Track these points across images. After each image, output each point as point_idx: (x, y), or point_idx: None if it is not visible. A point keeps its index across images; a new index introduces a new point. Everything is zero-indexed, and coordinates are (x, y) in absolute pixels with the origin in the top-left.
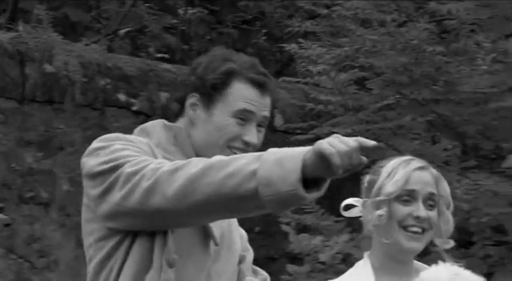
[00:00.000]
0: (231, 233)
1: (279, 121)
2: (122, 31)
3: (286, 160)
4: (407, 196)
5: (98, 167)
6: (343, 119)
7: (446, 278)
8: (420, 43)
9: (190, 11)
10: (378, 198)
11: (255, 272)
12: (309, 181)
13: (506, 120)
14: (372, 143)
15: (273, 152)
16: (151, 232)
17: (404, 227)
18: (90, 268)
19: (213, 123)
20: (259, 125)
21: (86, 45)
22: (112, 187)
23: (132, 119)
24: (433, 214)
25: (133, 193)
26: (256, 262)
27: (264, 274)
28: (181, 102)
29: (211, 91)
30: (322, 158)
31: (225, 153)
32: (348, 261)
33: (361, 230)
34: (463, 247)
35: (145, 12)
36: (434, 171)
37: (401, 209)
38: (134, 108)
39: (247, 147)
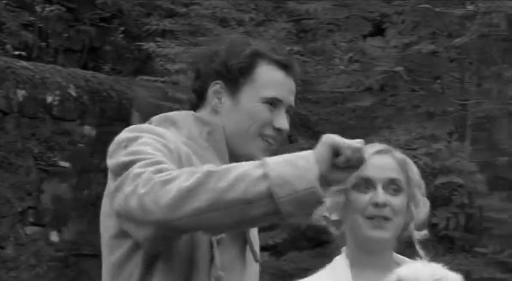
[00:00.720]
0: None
1: (136, 120)
2: None
3: (297, 160)
4: (364, 183)
5: (119, 159)
6: None
7: (427, 279)
8: (278, 42)
9: (47, 9)
10: (333, 188)
11: None
12: None
13: (363, 120)
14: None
15: (276, 157)
16: (188, 242)
17: (367, 217)
18: (105, 268)
19: (242, 110)
20: (286, 112)
21: None
22: (122, 183)
23: None
24: (397, 199)
25: (132, 196)
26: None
27: None
28: (201, 92)
29: (238, 76)
30: (333, 151)
31: (256, 143)
32: None
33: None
34: (319, 246)
35: (2, 9)
36: (398, 154)
37: (360, 198)
38: None
39: (278, 134)
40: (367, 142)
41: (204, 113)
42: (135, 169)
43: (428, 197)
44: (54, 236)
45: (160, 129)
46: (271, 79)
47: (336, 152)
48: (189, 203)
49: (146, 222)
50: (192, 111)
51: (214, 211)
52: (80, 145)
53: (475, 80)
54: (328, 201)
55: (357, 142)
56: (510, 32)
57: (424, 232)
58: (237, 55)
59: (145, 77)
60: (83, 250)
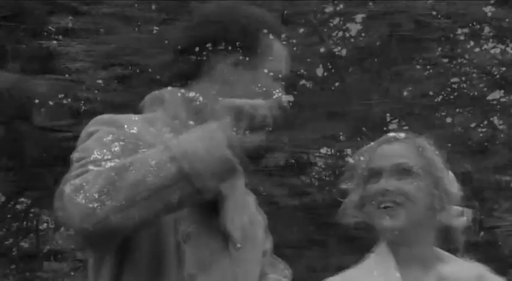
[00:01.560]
0: (253, 224)
1: (38, 118)
2: None
3: (200, 133)
4: (374, 174)
5: (72, 156)
6: None
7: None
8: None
9: None
10: (347, 184)
11: (272, 265)
12: None
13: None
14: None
15: (178, 137)
16: (153, 242)
17: (379, 206)
18: (89, 272)
19: (250, 84)
20: None
21: None
22: None
23: None
24: (407, 184)
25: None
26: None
27: (283, 267)
28: (196, 61)
29: (245, 46)
30: (235, 114)
31: None
32: None
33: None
34: None
35: None
36: (412, 141)
37: (371, 188)
38: None
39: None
40: (269, 142)
41: (197, 84)
42: (67, 176)
43: (334, 198)
44: None
45: (124, 119)
46: (276, 52)
47: (238, 114)
48: (102, 207)
49: (73, 231)
50: (179, 89)
51: (132, 207)
52: None
53: (376, 80)
54: (350, 197)
55: (258, 100)
56: (413, 32)
57: (463, 219)
58: (239, 24)
59: (47, 76)
60: None
